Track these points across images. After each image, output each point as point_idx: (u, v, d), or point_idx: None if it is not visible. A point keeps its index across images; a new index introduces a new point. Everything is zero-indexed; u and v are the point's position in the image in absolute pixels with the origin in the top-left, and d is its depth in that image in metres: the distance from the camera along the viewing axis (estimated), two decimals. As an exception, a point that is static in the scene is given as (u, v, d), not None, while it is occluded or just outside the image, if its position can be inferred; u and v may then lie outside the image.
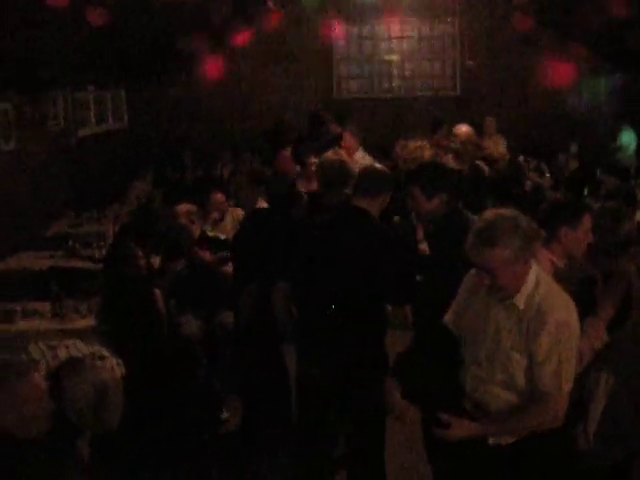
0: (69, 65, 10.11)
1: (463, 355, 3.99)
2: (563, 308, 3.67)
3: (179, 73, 15.03)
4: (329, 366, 4.98)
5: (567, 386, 3.68)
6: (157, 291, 6.69)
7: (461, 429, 3.73)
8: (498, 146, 10.53)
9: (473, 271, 3.92)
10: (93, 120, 13.02)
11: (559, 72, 13.74)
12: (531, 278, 3.70)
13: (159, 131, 14.86)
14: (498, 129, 12.22)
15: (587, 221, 4.25)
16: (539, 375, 3.65)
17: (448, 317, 4.09)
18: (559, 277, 4.02)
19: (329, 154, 6.03)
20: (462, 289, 4.05)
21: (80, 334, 6.71)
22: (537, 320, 3.63)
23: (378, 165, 5.69)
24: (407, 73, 15.26)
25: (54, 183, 11.08)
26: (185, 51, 12.83)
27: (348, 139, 9.52)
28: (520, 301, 3.69)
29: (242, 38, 14.62)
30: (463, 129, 8.00)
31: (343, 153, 6.47)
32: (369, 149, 10.03)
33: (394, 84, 15.38)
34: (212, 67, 14.93)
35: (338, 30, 15.09)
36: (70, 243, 9.03)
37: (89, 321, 6.88)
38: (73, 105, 12.01)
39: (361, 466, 5.16)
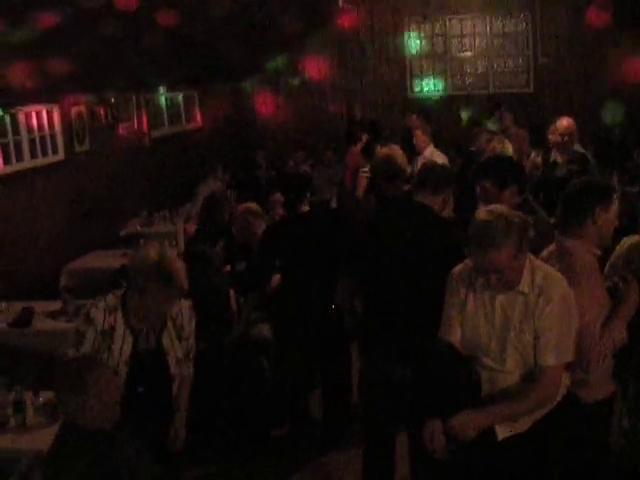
0: (142, 67, 10.26)
1: (467, 348, 3.99)
2: (563, 283, 3.77)
3: (251, 73, 15.18)
4: (395, 361, 4.97)
5: (564, 358, 3.75)
6: (232, 291, 6.76)
7: (469, 422, 3.75)
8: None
9: (456, 271, 4.04)
10: (166, 121, 13.20)
11: (636, 69, 13.51)
12: (528, 264, 3.79)
13: (232, 131, 14.99)
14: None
15: (616, 201, 4.18)
16: (539, 348, 3.73)
17: (443, 329, 4.10)
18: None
19: (381, 149, 6.09)
20: (451, 294, 4.06)
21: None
22: (543, 298, 3.71)
23: (440, 162, 5.67)
24: (480, 70, 15.14)
25: (128, 184, 11.25)
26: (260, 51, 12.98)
27: (419, 136, 9.49)
28: (525, 287, 3.76)
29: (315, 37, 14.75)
30: (564, 122, 7.93)
31: (396, 148, 6.50)
32: (444, 146, 9.99)
33: (467, 81, 15.27)
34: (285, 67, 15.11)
35: (411, 28, 15.06)
36: (142, 242, 9.14)
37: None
38: (146, 106, 12.17)
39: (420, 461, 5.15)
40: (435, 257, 4.79)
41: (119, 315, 4.42)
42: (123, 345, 4.39)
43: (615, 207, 4.14)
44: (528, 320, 3.74)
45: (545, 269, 3.81)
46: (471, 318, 3.94)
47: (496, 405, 3.79)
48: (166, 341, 4.51)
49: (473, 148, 9.49)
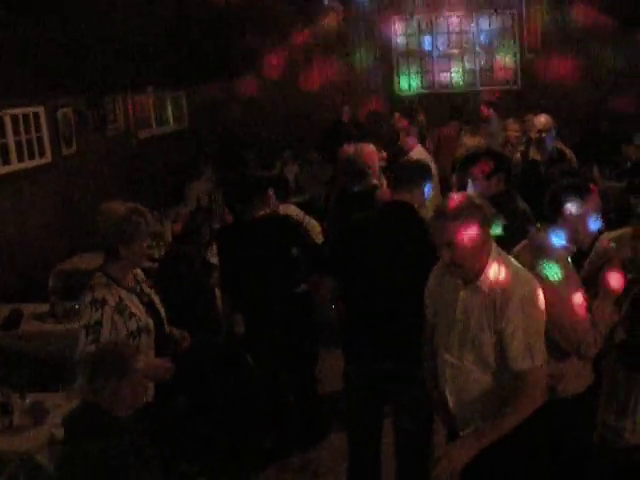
0: (129, 68, 10.27)
1: (436, 344, 4.06)
2: (526, 284, 3.72)
3: (239, 73, 15.19)
4: (377, 361, 4.99)
5: (539, 359, 3.70)
6: (216, 289, 6.78)
7: (460, 454, 3.71)
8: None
9: (435, 268, 4.10)
10: (154, 122, 13.19)
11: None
12: (493, 259, 3.76)
13: (219, 131, 15.00)
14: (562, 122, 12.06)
15: (593, 200, 4.19)
16: (510, 355, 3.69)
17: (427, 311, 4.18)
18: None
19: (346, 147, 6.13)
20: (431, 279, 4.13)
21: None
22: (502, 297, 3.68)
23: (416, 157, 5.72)
24: (467, 67, 15.18)
25: (115, 185, 11.23)
26: (246, 50, 13.00)
27: (403, 138, 9.53)
28: (484, 283, 3.75)
29: (302, 37, 14.78)
30: (542, 119, 8.00)
31: (364, 146, 6.57)
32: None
33: (454, 79, 15.31)
34: (272, 66, 15.12)
35: (398, 26, 15.11)
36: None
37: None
38: (133, 107, 12.17)
39: (408, 460, 5.16)
40: (415, 255, 4.79)
41: (114, 286, 4.52)
42: (137, 309, 4.54)
43: (591, 205, 4.16)
44: (487, 319, 3.73)
45: (511, 268, 3.78)
46: (440, 314, 4.01)
47: (484, 429, 3.74)
48: (147, 289, 4.74)
49: None
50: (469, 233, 3.66)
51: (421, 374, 4.60)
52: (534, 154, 7.98)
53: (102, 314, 4.44)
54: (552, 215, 4.17)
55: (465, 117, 12.69)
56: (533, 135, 8.07)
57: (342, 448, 5.60)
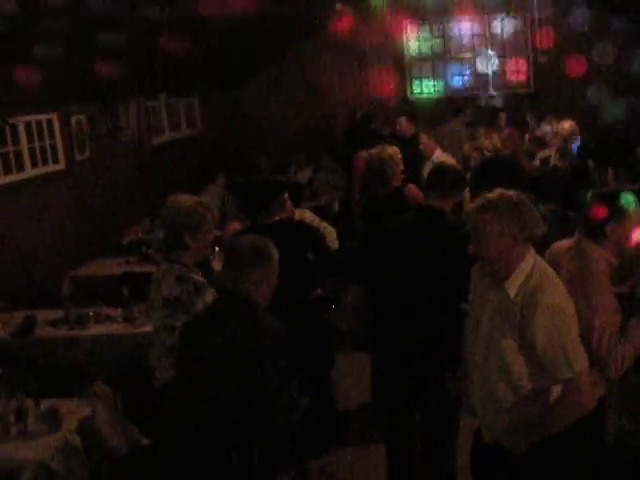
0: (141, 74, 10.28)
1: (466, 345, 4.01)
2: (555, 293, 3.61)
3: (252, 79, 15.21)
4: (407, 365, 5.02)
5: (579, 365, 3.58)
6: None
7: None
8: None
9: (474, 268, 4.01)
10: (167, 128, 13.22)
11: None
12: (526, 266, 3.68)
13: (233, 137, 15.00)
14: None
15: (636, 214, 4.11)
16: (548, 366, 3.58)
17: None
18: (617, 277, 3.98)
19: (374, 150, 6.09)
20: (473, 274, 4.05)
21: (151, 338, 6.86)
22: (529, 305, 3.59)
23: (450, 163, 5.66)
24: (479, 71, 15.15)
25: (129, 191, 11.27)
26: (259, 56, 13.00)
27: (425, 141, 9.53)
28: (511, 287, 3.67)
29: (314, 42, 14.79)
30: (566, 126, 7.72)
31: (390, 148, 6.53)
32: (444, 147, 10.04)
33: (467, 82, 15.28)
34: (285, 71, 15.14)
35: (410, 29, 15.10)
36: (144, 249, 9.16)
37: (160, 325, 6.94)
38: (146, 114, 12.19)
39: (435, 459, 5.16)
40: (445, 261, 4.80)
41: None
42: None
43: (630, 223, 4.09)
44: (510, 325, 3.65)
45: (544, 274, 3.69)
46: (472, 313, 3.96)
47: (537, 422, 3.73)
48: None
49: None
50: (493, 227, 3.62)
51: (449, 377, 4.63)
52: (556, 161, 7.77)
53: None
54: (593, 233, 4.10)
55: (468, 118, 12.72)
56: (557, 143, 7.83)
57: (360, 451, 5.60)
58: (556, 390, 3.65)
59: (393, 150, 6.37)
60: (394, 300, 5.07)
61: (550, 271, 3.73)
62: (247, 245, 3.93)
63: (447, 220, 5.05)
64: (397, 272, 5.02)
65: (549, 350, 3.55)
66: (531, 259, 3.70)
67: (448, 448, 5.18)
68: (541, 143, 9.92)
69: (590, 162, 8.27)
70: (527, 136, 10.69)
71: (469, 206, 3.84)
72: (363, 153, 10.62)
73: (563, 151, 7.77)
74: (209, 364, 3.73)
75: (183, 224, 4.87)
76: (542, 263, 3.75)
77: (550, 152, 8.73)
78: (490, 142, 9.10)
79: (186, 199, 5.03)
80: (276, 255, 3.95)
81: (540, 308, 3.55)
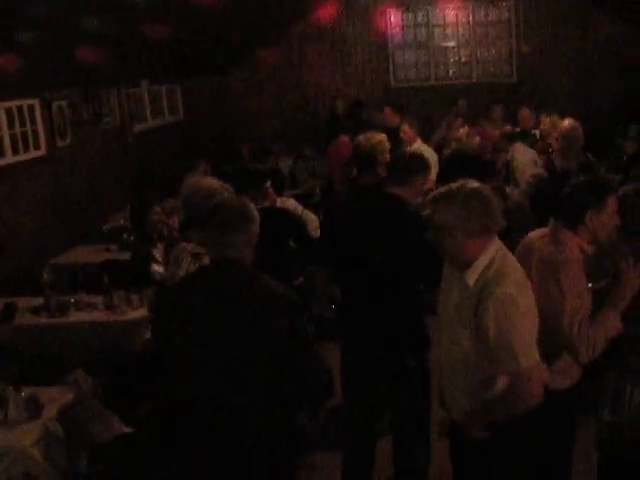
0: (123, 61, 10.22)
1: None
2: (511, 284, 3.56)
3: (234, 66, 15.16)
4: (371, 346, 5.07)
5: (525, 360, 3.53)
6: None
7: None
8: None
9: None
10: (149, 114, 13.16)
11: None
12: (487, 256, 3.64)
13: (215, 124, 14.97)
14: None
15: (612, 203, 4.12)
16: (496, 354, 3.56)
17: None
18: (589, 266, 3.99)
19: (361, 136, 6.06)
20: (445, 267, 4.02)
21: (132, 325, 6.86)
22: (484, 294, 3.56)
23: (413, 150, 5.67)
24: (463, 59, 15.17)
25: (111, 178, 11.23)
26: (241, 43, 12.95)
27: (406, 130, 9.52)
28: (471, 276, 3.65)
29: (297, 29, 14.76)
30: (566, 124, 6.99)
31: (378, 134, 6.50)
32: (427, 136, 10.04)
33: (450, 71, 15.30)
34: (267, 58, 15.09)
35: (393, 18, 15.09)
36: (125, 236, 9.13)
37: (141, 312, 6.96)
38: (128, 100, 12.14)
39: (406, 442, 5.22)
40: (401, 247, 4.85)
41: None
42: None
43: (610, 208, 4.10)
44: (467, 314, 3.63)
45: (504, 264, 3.65)
46: (441, 302, 3.96)
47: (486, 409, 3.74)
48: None
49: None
50: (446, 217, 3.60)
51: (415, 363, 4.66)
52: (562, 164, 6.91)
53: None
54: (572, 219, 4.11)
55: (460, 110, 12.73)
56: (558, 145, 7.03)
57: (339, 442, 5.60)
58: (502, 379, 3.65)
59: (382, 136, 6.35)
60: (355, 283, 5.13)
61: (511, 263, 3.71)
62: (230, 209, 3.84)
63: (406, 207, 5.05)
64: (355, 255, 5.07)
65: (498, 340, 3.52)
66: (493, 250, 3.67)
67: (421, 436, 5.22)
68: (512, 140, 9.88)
69: None
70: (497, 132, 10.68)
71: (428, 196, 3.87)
72: (344, 138, 10.62)
73: (566, 152, 7.05)
74: (227, 332, 3.63)
75: (200, 205, 4.89)
76: (505, 254, 3.72)
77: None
78: (463, 133, 9.10)
79: (205, 181, 5.27)
80: (257, 216, 3.88)
81: (493, 297, 3.52)
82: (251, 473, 3.71)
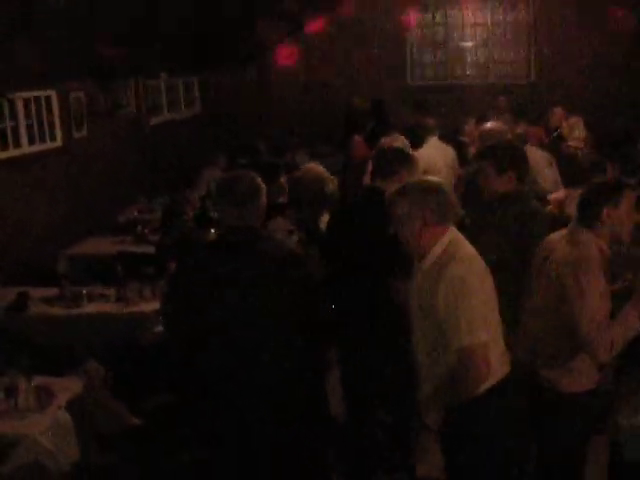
0: (141, 53, 10.23)
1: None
2: (462, 266, 3.74)
3: (253, 60, 15.13)
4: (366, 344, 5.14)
5: (470, 338, 3.64)
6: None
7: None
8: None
9: None
10: (165, 107, 13.18)
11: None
12: (441, 244, 3.84)
13: (232, 118, 14.96)
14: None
15: (629, 199, 4.13)
16: (447, 335, 3.71)
17: None
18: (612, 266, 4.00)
19: (384, 141, 6.05)
20: None
21: (144, 318, 6.88)
22: (437, 278, 3.74)
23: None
24: (481, 60, 15.12)
25: (127, 170, 11.25)
26: (260, 38, 12.92)
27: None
28: (426, 264, 3.85)
29: (316, 25, 14.70)
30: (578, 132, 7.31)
31: (402, 139, 6.47)
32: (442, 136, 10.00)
33: (468, 71, 15.25)
34: (286, 54, 15.06)
35: (412, 17, 15.05)
36: (139, 228, 9.16)
37: (153, 305, 6.96)
38: (145, 93, 12.16)
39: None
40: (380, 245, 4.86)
41: None
42: None
43: (628, 203, 4.12)
44: (427, 299, 3.79)
45: (455, 250, 3.83)
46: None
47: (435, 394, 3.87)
48: None
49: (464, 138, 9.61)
50: (403, 209, 3.85)
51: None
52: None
53: None
54: (589, 219, 4.13)
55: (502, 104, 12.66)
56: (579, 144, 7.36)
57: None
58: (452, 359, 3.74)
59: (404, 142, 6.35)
60: (343, 278, 5.18)
61: (465, 248, 3.88)
62: (243, 183, 4.10)
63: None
64: (343, 252, 5.16)
65: (446, 318, 3.69)
66: (447, 238, 3.86)
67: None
68: None
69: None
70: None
71: None
72: (358, 138, 10.60)
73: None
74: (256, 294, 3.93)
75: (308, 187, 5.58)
76: (459, 241, 3.90)
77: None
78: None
79: (316, 169, 5.76)
80: (264, 189, 4.18)
81: (444, 278, 3.70)
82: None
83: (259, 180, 4.13)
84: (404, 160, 5.23)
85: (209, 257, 4.14)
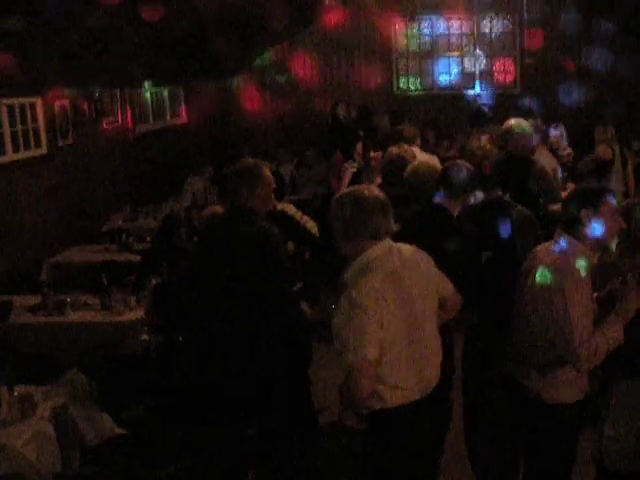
0: (127, 62, 10.21)
1: None
2: (358, 286, 3.75)
3: (237, 70, 15.15)
4: None
5: (353, 355, 3.64)
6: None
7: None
8: None
9: None
10: (151, 116, 13.14)
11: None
12: (361, 258, 3.86)
13: (217, 127, 14.95)
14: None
15: (608, 202, 4.09)
16: (340, 348, 3.75)
17: None
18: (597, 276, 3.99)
19: (393, 149, 6.04)
20: None
21: (128, 327, 6.83)
22: (344, 293, 3.79)
23: (464, 164, 5.59)
24: (466, 70, 15.15)
25: (111, 178, 11.21)
26: (244, 48, 12.92)
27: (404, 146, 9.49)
28: (345, 276, 3.90)
29: (301, 35, 14.74)
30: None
31: (406, 147, 6.47)
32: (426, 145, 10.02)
33: (453, 81, 15.28)
34: (270, 63, 15.10)
35: (397, 26, 15.09)
36: (124, 237, 9.12)
37: (137, 314, 6.92)
38: (131, 101, 12.13)
39: None
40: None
41: None
42: None
43: (608, 207, 4.07)
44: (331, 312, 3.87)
45: (365, 268, 3.83)
46: None
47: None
48: None
49: None
50: (329, 218, 3.95)
51: None
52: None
53: None
54: (570, 223, 4.10)
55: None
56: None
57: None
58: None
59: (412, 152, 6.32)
60: None
61: (369, 265, 3.84)
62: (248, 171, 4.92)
63: (451, 220, 5.06)
64: None
65: (335, 334, 3.73)
66: (371, 253, 3.85)
67: None
68: None
69: None
70: None
71: None
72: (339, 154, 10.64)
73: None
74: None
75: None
76: (372, 258, 3.86)
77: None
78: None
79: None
80: (269, 176, 4.96)
81: (342, 296, 3.75)
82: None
83: (265, 171, 4.95)
84: (472, 180, 5.15)
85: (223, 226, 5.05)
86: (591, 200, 4.06)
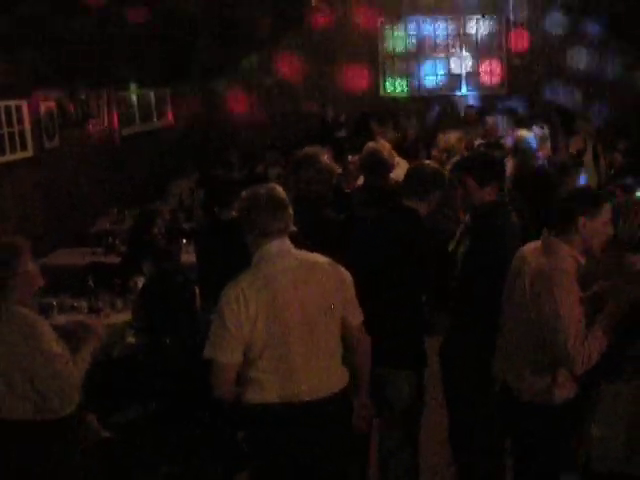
0: (113, 64, 10.19)
1: None
2: (227, 289, 3.94)
3: (224, 73, 15.14)
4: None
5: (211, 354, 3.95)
6: (196, 288, 6.72)
7: None
8: None
9: None
10: (137, 119, 13.10)
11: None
12: (256, 255, 4.03)
13: (204, 130, 14.92)
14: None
15: (606, 211, 4.08)
16: None
17: None
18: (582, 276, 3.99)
19: (370, 143, 6.11)
20: None
21: (115, 329, 6.79)
22: None
23: (427, 163, 5.58)
24: (454, 71, 15.16)
25: (98, 181, 11.16)
26: (230, 51, 12.92)
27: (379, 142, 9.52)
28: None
29: (287, 37, 14.72)
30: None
31: (383, 142, 6.55)
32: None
33: (440, 82, 15.28)
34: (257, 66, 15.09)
35: (384, 28, 15.09)
36: (110, 240, 9.08)
37: (125, 316, 6.89)
38: (117, 103, 12.09)
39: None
40: (408, 261, 4.85)
41: None
42: None
43: (604, 217, 4.07)
44: None
45: (254, 267, 4.03)
46: None
47: None
48: None
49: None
50: None
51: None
52: None
53: None
54: (564, 229, 4.08)
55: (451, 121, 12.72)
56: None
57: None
58: None
59: (388, 145, 6.44)
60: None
61: (259, 263, 4.00)
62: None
63: (420, 221, 5.03)
64: (364, 265, 5.02)
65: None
66: (264, 250, 4.01)
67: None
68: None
69: None
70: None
71: None
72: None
73: None
74: None
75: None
76: (263, 255, 4.02)
77: None
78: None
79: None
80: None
81: None
82: None
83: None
84: (439, 181, 5.15)
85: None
86: (589, 209, 4.03)
